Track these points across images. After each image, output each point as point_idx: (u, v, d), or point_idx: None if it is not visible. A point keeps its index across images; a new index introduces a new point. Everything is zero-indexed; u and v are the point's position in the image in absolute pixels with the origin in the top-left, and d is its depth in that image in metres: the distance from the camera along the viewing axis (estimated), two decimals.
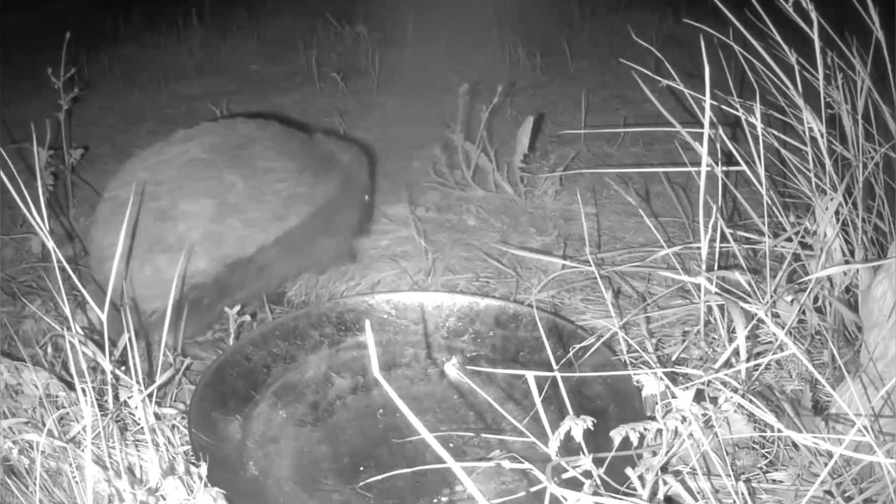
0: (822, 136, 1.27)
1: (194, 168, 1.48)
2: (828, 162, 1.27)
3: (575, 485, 0.77)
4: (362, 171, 1.83)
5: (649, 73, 1.35)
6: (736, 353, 1.05)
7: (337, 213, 1.68)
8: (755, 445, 1.12)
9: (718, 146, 1.31)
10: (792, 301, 1.22)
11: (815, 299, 1.30)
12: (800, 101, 1.27)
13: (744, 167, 1.26)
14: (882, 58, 1.28)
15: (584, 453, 0.80)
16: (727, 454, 1.07)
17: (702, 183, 1.12)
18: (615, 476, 0.84)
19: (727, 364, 1.06)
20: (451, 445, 1.20)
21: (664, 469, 0.90)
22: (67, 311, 1.02)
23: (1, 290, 1.67)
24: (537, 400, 0.79)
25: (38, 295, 1.64)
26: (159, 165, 1.49)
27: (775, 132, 1.35)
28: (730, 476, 0.97)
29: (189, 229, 1.42)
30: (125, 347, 1.15)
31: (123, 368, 1.14)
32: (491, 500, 1.00)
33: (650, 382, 0.88)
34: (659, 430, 0.85)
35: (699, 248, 1.16)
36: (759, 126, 1.21)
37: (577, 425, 0.78)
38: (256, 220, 1.48)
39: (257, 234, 1.48)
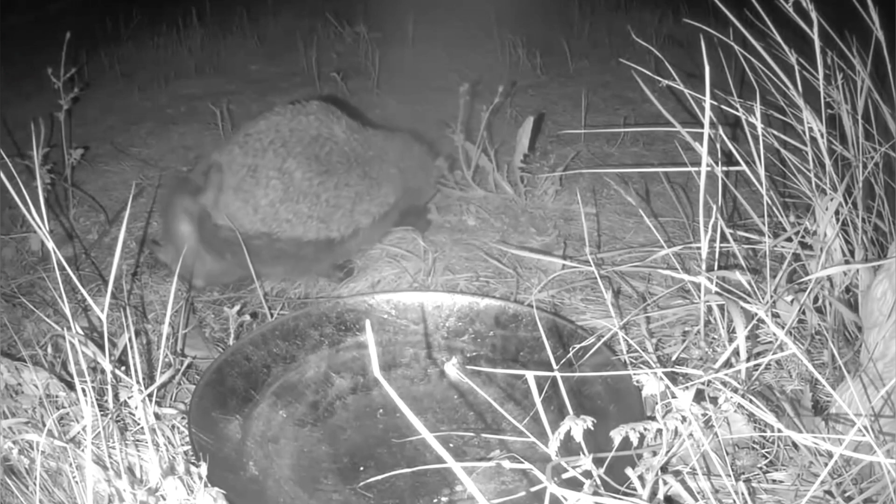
0: (822, 136, 1.26)
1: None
2: (828, 162, 1.27)
3: (575, 485, 0.77)
4: (426, 182, 1.93)
5: (649, 73, 1.35)
6: (736, 353, 1.05)
7: (387, 220, 1.76)
8: (755, 445, 1.12)
9: (718, 146, 1.31)
10: (792, 301, 1.22)
11: (815, 299, 1.30)
12: (800, 101, 1.27)
13: (744, 167, 1.26)
14: (882, 58, 1.28)
15: (584, 453, 0.80)
16: (727, 454, 1.07)
17: (702, 183, 1.12)
18: (615, 476, 0.84)
19: (727, 364, 1.06)
20: (451, 445, 1.20)
21: (664, 469, 0.90)
22: (68, 312, 1.02)
23: (0, 290, 1.67)
24: (537, 400, 0.79)
25: (38, 294, 1.64)
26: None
27: (775, 132, 1.35)
28: (730, 476, 0.97)
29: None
30: (125, 347, 1.15)
31: (123, 368, 1.14)
32: (491, 500, 1.00)
33: (650, 382, 0.88)
34: (659, 430, 0.85)
35: (699, 248, 1.16)
36: (759, 126, 1.21)
37: (577, 425, 0.78)
38: (304, 214, 1.59)
39: (297, 227, 1.58)
